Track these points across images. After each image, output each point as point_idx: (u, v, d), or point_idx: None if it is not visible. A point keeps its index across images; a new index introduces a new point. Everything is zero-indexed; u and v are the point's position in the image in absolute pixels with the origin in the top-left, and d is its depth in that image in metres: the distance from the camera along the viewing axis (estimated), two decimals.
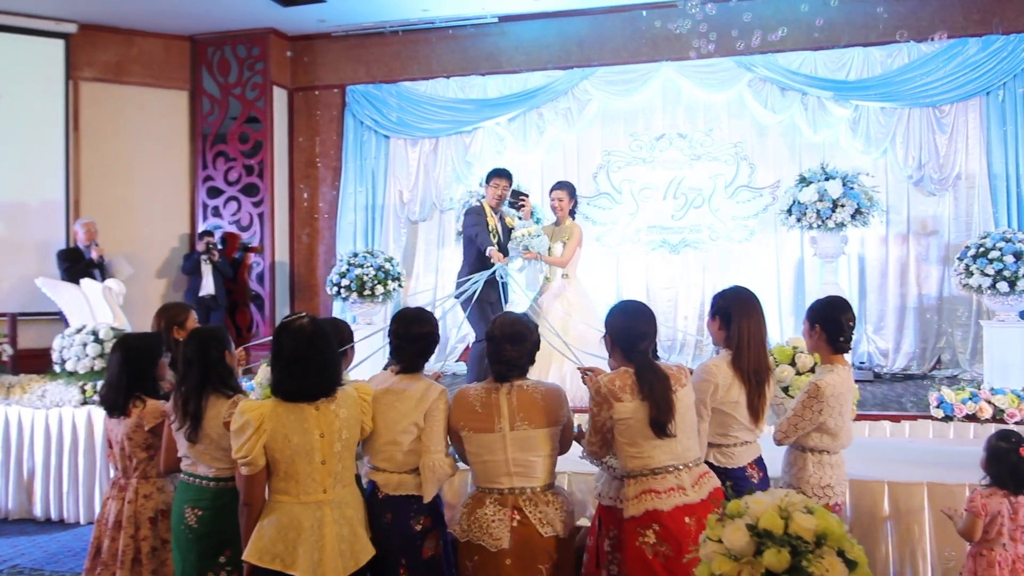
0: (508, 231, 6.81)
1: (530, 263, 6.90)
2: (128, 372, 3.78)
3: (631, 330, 3.17)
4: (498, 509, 3.18)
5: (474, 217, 6.84)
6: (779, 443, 3.59)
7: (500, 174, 6.88)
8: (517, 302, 7.27)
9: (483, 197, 7.15)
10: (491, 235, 6.65)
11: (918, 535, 4.21)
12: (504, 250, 6.70)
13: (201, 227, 9.89)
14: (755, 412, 3.35)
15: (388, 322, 3.52)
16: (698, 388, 3.27)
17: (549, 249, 6.56)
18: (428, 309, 3.63)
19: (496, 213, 6.79)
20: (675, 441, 3.04)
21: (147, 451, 3.76)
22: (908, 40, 8.17)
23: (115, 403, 3.80)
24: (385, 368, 3.53)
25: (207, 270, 9.25)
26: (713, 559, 2.13)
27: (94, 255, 8.39)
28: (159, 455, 3.71)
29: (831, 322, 3.53)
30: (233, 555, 3.30)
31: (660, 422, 3.00)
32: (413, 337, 3.35)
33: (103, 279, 8.10)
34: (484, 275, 6.30)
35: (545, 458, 3.23)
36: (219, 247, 9.43)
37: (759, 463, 3.45)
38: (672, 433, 3.01)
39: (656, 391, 3.02)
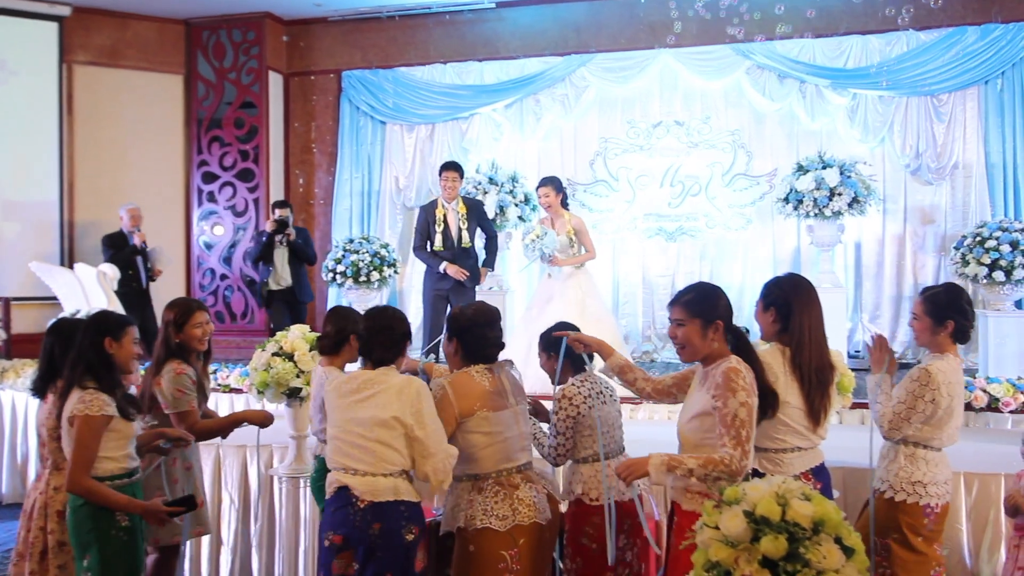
0: (469, 220, 6.83)
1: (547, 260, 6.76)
2: (51, 356, 3.62)
3: (729, 309, 2.93)
4: (531, 485, 3.17)
5: (419, 220, 7.01)
6: (887, 437, 3.32)
7: (446, 167, 6.97)
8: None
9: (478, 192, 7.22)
10: (437, 225, 6.75)
11: None
12: (457, 240, 6.77)
13: (198, 212, 9.80)
14: (815, 415, 3.04)
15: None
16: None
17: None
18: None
19: (450, 204, 6.81)
20: None
21: (58, 440, 3.50)
22: (908, 28, 8.13)
23: (36, 386, 3.68)
24: None
25: (281, 255, 8.12)
26: (710, 545, 2.12)
27: (136, 241, 8.08)
28: None
29: (963, 313, 3.33)
30: (91, 561, 3.19)
31: (763, 410, 2.84)
32: (380, 328, 3.19)
33: (145, 265, 8.01)
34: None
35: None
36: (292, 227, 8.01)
37: (818, 473, 3.12)
38: None
39: (761, 376, 2.84)
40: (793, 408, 3.02)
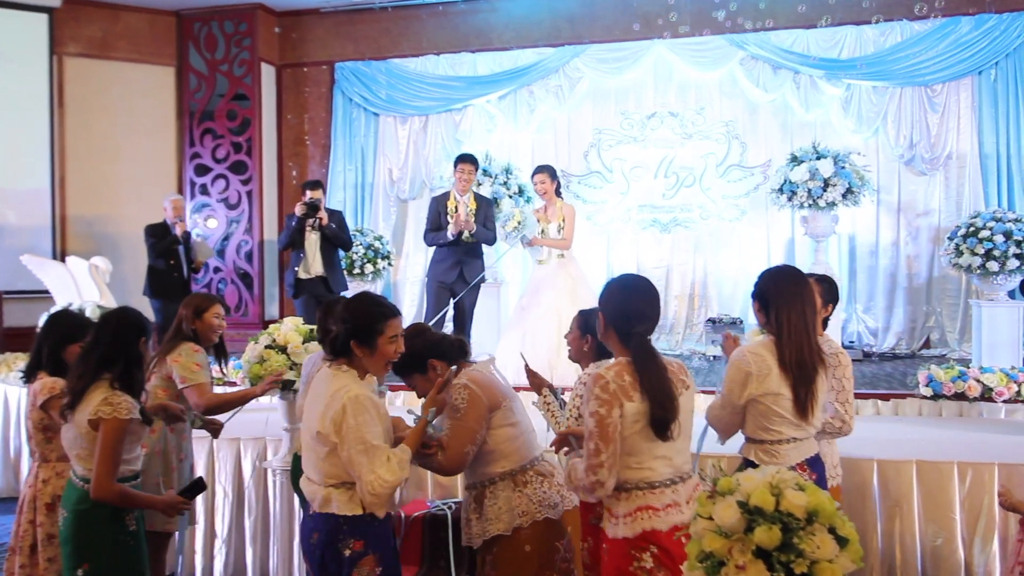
0: (476, 216, 6.80)
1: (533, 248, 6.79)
2: (39, 346, 3.57)
3: (629, 308, 2.69)
4: (554, 472, 3.11)
5: (430, 210, 7.02)
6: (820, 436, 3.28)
7: (463, 159, 6.93)
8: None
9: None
10: (448, 216, 6.77)
11: (906, 512, 4.24)
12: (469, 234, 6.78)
13: (190, 204, 9.74)
14: (801, 408, 2.98)
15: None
16: (729, 377, 2.97)
17: (543, 231, 6.55)
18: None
19: (462, 197, 6.79)
20: (674, 450, 2.65)
21: (43, 432, 3.47)
22: (880, 20, 8.08)
23: (25, 375, 3.62)
24: None
25: (313, 242, 7.24)
26: (703, 536, 2.11)
27: (178, 231, 7.78)
28: (57, 437, 3.32)
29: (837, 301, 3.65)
30: (91, 569, 3.02)
31: (663, 421, 2.57)
32: (339, 319, 2.83)
33: (187, 257, 7.85)
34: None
35: None
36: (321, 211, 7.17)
37: (813, 463, 3.07)
38: (672, 436, 2.61)
39: (656, 384, 2.59)
40: (786, 399, 2.99)
